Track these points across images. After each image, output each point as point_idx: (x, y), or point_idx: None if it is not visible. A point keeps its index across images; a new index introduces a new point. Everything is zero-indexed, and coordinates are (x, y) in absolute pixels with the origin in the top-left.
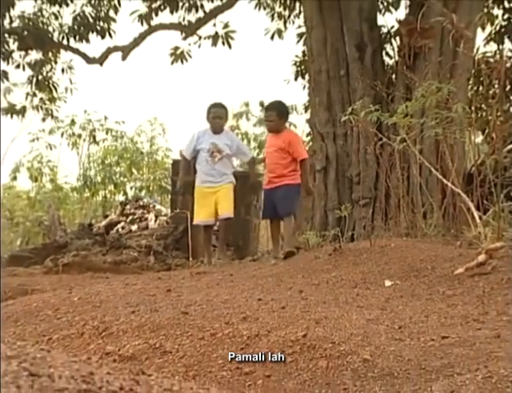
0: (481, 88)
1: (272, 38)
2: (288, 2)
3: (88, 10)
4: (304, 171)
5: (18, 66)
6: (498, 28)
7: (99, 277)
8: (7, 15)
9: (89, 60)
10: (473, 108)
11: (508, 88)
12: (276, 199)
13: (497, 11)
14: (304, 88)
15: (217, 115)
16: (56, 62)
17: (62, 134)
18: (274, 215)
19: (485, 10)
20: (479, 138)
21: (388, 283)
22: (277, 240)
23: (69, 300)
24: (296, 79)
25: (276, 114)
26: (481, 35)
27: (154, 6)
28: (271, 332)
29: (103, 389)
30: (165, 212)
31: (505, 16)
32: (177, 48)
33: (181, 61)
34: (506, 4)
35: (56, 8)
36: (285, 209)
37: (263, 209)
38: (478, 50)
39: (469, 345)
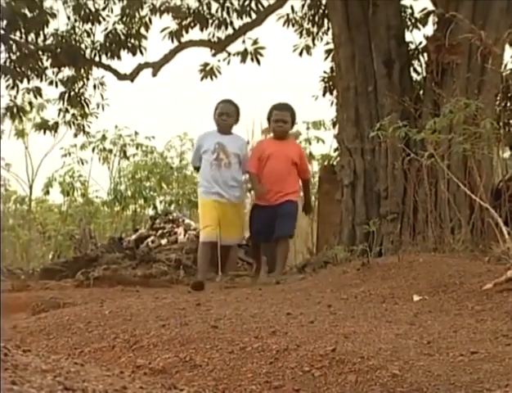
0: (509, 104)
1: (301, 54)
2: (316, 19)
3: (120, 27)
4: (309, 190)
5: (51, 83)
6: None
7: (129, 291)
8: (41, 33)
9: (120, 77)
10: (501, 124)
11: None
12: (277, 216)
13: None
14: (332, 103)
15: (224, 111)
16: (87, 79)
17: (93, 149)
18: (268, 238)
19: None
20: (507, 154)
21: (416, 298)
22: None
23: (101, 313)
24: (324, 94)
25: (291, 115)
26: (509, 51)
27: (184, 23)
28: (301, 346)
29: None
30: (194, 226)
31: None
32: (206, 65)
33: (211, 78)
34: None
35: (88, 26)
36: (289, 228)
37: (257, 230)
38: (506, 66)
39: (498, 361)
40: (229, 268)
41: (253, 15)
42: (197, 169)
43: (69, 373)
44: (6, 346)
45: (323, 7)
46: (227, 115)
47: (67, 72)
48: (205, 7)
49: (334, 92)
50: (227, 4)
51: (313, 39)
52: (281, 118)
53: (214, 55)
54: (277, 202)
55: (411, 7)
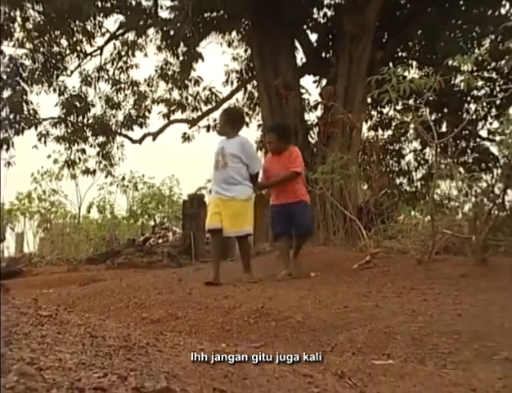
0: (366, 157)
1: None
2: (252, 106)
3: (133, 112)
4: (286, 178)
5: (91, 146)
6: (374, 122)
7: (138, 272)
8: (86, 116)
9: (133, 141)
10: (361, 169)
11: (381, 157)
12: (292, 214)
13: (373, 112)
14: (261, 157)
15: (218, 120)
16: (113, 143)
17: (117, 185)
18: (289, 230)
19: (366, 111)
20: (365, 186)
21: (312, 274)
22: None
23: (121, 285)
24: (257, 150)
25: (276, 135)
26: (365, 126)
27: (171, 108)
28: (242, 305)
29: (136, 345)
30: (179, 231)
31: (379, 115)
32: (185, 133)
33: (188, 141)
34: (379, 108)
35: (114, 111)
36: (308, 226)
37: (276, 224)
38: (364, 134)
39: (360, 311)
40: (243, 257)
41: (214, 103)
42: None
43: (95, 326)
44: (57, 308)
45: (256, 99)
46: (219, 122)
47: (101, 139)
48: (184, 99)
49: (264, 150)
50: (198, 97)
51: (250, 118)
52: (268, 139)
53: (190, 128)
54: (287, 201)
55: (308, 100)
